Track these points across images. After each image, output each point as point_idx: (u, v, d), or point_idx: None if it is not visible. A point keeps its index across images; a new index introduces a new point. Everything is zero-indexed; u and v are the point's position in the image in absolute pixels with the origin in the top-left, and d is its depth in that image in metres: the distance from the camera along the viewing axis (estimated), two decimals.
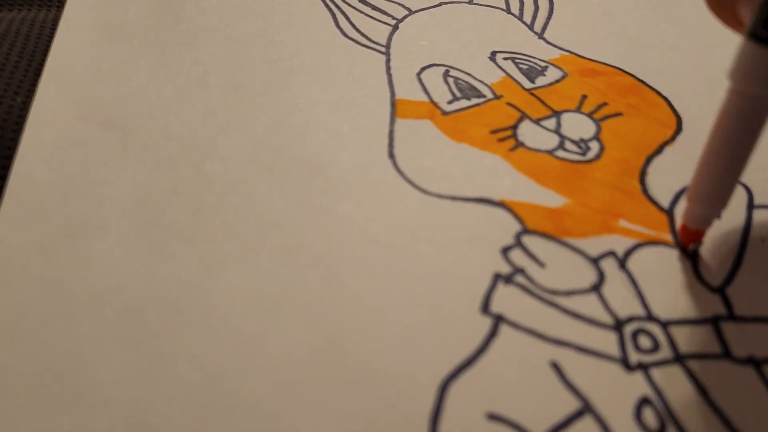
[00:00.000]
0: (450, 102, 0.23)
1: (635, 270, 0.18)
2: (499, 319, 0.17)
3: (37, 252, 0.18)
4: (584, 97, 0.23)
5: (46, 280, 0.17)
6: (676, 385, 0.16)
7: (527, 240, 0.19)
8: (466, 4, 0.28)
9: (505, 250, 0.18)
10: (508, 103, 0.23)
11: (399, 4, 0.28)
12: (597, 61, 0.25)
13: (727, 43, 0.26)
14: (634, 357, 0.16)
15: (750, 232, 0.19)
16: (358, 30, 0.26)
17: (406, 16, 0.27)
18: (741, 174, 0.17)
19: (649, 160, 0.21)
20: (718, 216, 0.18)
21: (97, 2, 0.27)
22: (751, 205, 0.20)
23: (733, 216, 0.19)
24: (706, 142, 0.17)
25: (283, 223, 0.19)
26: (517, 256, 0.18)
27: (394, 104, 0.23)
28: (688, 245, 0.19)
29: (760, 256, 0.18)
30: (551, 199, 0.20)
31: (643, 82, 0.24)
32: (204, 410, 0.15)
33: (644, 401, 0.15)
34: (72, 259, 0.18)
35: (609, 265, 0.18)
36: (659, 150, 0.21)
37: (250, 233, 0.19)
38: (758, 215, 0.19)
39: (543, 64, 0.25)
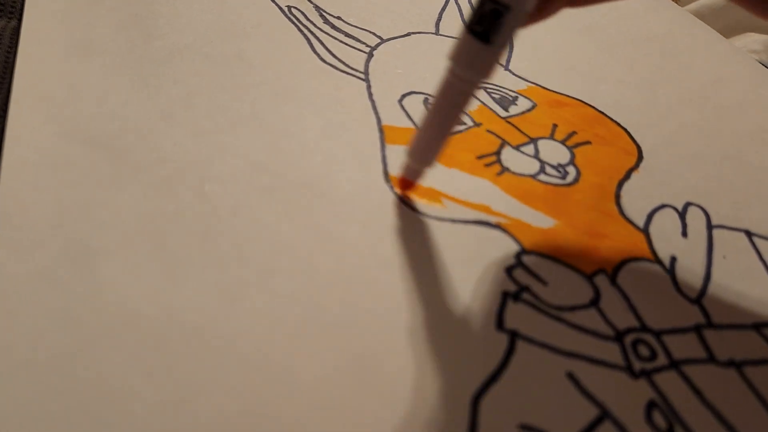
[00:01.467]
0: None
1: (624, 285, 0.20)
2: (514, 335, 0.18)
3: (40, 280, 0.17)
4: (555, 126, 0.25)
5: (55, 309, 0.16)
6: (675, 388, 0.17)
7: (527, 260, 0.20)
8: (433, 35, 0.30)
9: (509, 270, 0.20)
10: (488, 131, 0.24)
11: (370, 32, 0.29)
12: (560, 93, 0.27)
13: (666, 81, 0.29)
14: (637, 365, 0.18)
15: (713, 249, 0.21)
16: (334, 56, 0.27)
17: (378, 44, 0.28)
18: (445, 141, 0.20)
19: (620, 185, 0.23)
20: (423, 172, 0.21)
21: (58, 15, 0.26)
22: (710, 226, 0.22)
23: (697, 235, 0.22)
24: (424, 114, 0.20)
25: (294, 247, 0.19)
26: (520, 275, 0.19)
27: (382, 130, 0.24)
28: (403, 191, 0.21)
29: (725, 270, 0.21)
30: (541, 220, 0.21)
31: (603, 113, 0.26)
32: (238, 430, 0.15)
33: (652, 404, 0.17)
34: (79, 286, 0.17)
35: (602, 282, 0.20)
36: (627, 175, 0.24)
37: (262, 257, 0.19)
38: (717, 234, 0.22)
39: (513, 94, 0.26)
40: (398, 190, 0.21)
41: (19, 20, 0.26)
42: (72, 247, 0.18)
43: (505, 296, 0.19)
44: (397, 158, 0.23)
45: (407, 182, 0.21)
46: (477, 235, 0.21)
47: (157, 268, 0.18)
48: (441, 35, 0.30)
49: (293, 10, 0.29)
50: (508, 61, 0.29)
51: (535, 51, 0.29)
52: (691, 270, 0.21)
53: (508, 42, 0.18)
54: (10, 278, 0.17)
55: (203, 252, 0.18)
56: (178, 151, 0.21)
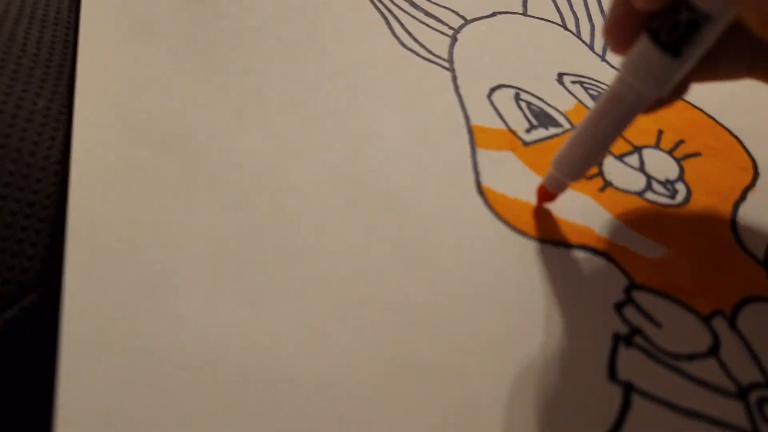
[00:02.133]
0: (528, 131, 0.22)
1: (745, 330, 0.18)
2: (629, 388, 0.16)
3: (116, 312, 0.15)
4: (660, 132, 0.23)
5: (136, 348, 0.15)
6: None
7: (638, 296, 0.18)
8: (521, 16, 0.27)
9: (618, 306, 0.18)
10: None
11: (452, 11, 0.26)
12: None
13: None
14: (764, 429, 0.16)
15: None
16: (416, 40, 0.24)
17: (462, 26, 0.26)
18: (602, 157, 0.19)
19: (736, 207, 0.21)
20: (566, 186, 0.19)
21: None
22: None
23: None
24: (581, 121, 0.18)
25: (382, 274, 0.17)
26: (631, 314, 0.18)
27: (471, 131, 0.22)
28: (541, 203, 0.20)
29: None
30: (651, 248, 0.19)
31: (712, 117, 0.24)
32: None
33: None
34: (157, 320, 0.15)
35: (720, 326, 0.18)
36: (743, 196, 0.21)
37: (348, 286, 0.17)
38: None
39: None
40: (538, 201, 0.20)
41: None
42: (147, 271, 0.16)
43: (617, 339, 0.17)
44: (490, 166, 0.21)
45: (548, 194, 0.19)
46: (581, 262, 0.19)
47: (238, 297, 0.16)
48: (529, 16, 0.27)
49: None
50: (605, 50, 0.26)
51: None
52: None
53: (698, 57, 0.16)
54: (86, 305, 0.15)
55: (286, 278, 0.17)
56: (252, 156, 0.19)
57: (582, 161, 0.18)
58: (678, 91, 0.18)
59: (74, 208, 0.17)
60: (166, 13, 0.23)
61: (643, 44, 0.16)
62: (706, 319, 0.18)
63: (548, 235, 0.19)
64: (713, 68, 0.18)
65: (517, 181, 0.20)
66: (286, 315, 0.16)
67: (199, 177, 0.19)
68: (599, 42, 0.26)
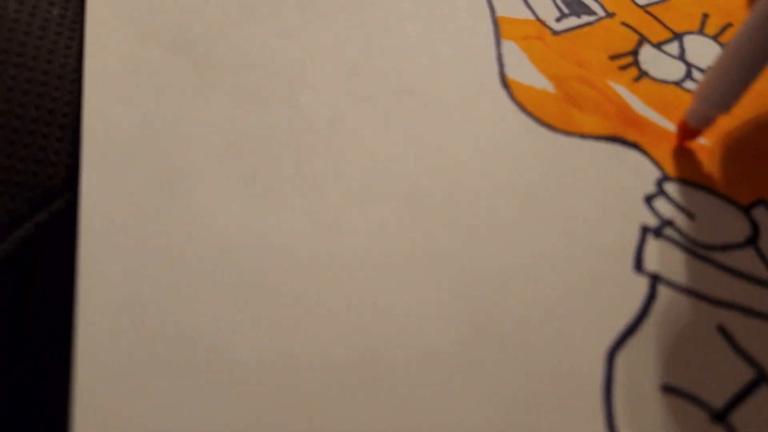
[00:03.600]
0: (558, 19, 0.21)
1: None
2: (655, 279, 0.15)
3: (133, 209, 0.15)
4: (705, 16, 0.21)
5: (150, 242, 0.15)
6: None
7: (670, 188, 0.17)
8: None
9: (649, 199, 0.17)
10: (623, 23, 0.21)
11: None
12: None
13: None
14: None
15: None
16: None
17: None
18: (751, 83, 0.16)
19: None
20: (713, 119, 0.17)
21: None
22: None
23: None
24: (726, 45, 0.16)
25: (398, 167, 0.17)
26: (662, 206, 0.17)
27: (496, 22, 0.20)
28: (683, 142, 0.18)
29: None
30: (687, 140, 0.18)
31: None
32: (352, 381, 0.14)
33: None
34: (172, 215, 0.15)
35: (762, 215, 0.17)
36: None
37: (362, 179, 0.17)
38: None
39: None
40: (679, 140, 0.18)
41: None
42: (162, 169, 0.16)
43: (645, 231, 0.16)
44: (516, 57, 0.19)
45: (692, 131, 0.18)
46: (611, 154, 0.18)
47: (252, 192, 0.16)
48: None
49: None
50: None
51: None
52: None
53: None
54: (100, 201, 0.15)
55: (299, 173, 0.17)
56: (266, 54, 0.19)
57: (731, 90, 0.17)
58: None
59: (88, 110, 0.17)
60: None
61: None
62: (746, 209, 0.17)
63: (576, 127, 0.18)
64: None
65: (545, 71, 0.19)
66: (300, 207, 0.16)
67: (211, 75, 0.18)
68: None
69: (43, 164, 0.18)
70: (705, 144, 0.18)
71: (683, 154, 0.18)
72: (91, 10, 0.19)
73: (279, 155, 0.17)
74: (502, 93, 0.19)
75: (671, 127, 0.18)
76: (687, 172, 0.17)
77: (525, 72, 0.19)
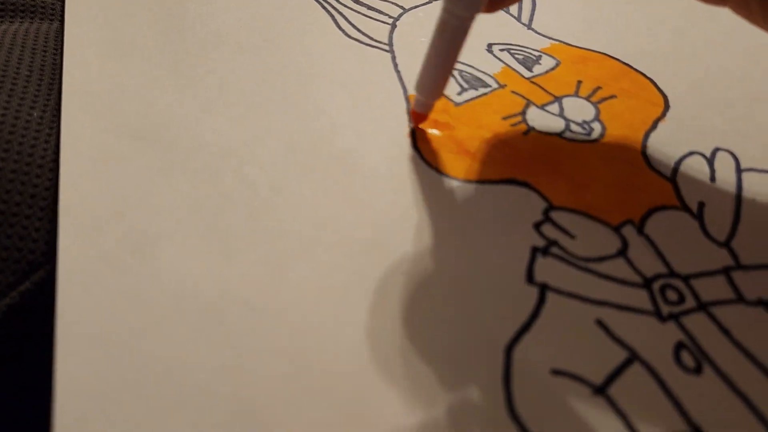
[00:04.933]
0: (459, 93, 0.25)
1: (652, 233, 0.20)
2: (544, 288, 0.19)
3: (104, 263, 0.19)
4: (579, 82, 0.25)
5: (120, 290, 0.18)
6: (704, 329, 0.18)
7: (555, 215, 0.21)
8: None
9: (537, 225, 0.20)
10: (513, 92, 0.25)
11: (393, 2, 0.30)
12: (584, 48, 0.27)
13: (693, 25, 0.29)
14: (665, 309, 0.19)
15: (742, 192, 0.22)
16: (359, 30, 0.28)
17: (401, 14, 0.29)
18: (448, 76, 0.22)
19: (647, 135, 0.23)
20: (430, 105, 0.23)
21: (97, 16, 0.28)
22: (739, 169, 0.22)
23: (726, 179, 0.22)
24: (426, 51, 0.22)
25: (334, 220, 0.20)
26: (548, 230, 0.20)
27: (408, 100, 0.25)
28: (416, 124, 0.24)
29: (754, 212, 0.21)
30: (568, 176, 0.22)
31: (628, 65, 0.26)
32: (303, 397, 0.17)
33: (680, 345, 0.18)
34: (141, 267, 0.19)
35: (629, 232, 0.20)
36: (654, 126, 0.24)
37: (305, 232, 0.20)
38: (747, 178, 0.22)
39: (536, 53, 0.27)
40: (413, 123, 0.23)
41: (61, 22, 0.28)
42: (132, 233, 0.19)
43: (534, 251, 0.20)
44: (425, 134, 0.24)
45: (419, 115, 0.23)
46: (506, 193, 0.21)
47: (210, 247, 0.19)
48: None
49: None
50: (531, 19, 0.29)
51: (559, 7, 0.29)
52: (720, 214, 0.21)
53: None
54: (76, 261, 0.18)
55: (250, 230, 0.20)
56: (220, 138, 0.23)
57: (435, 82, 0.22)
58: None
59: (64, 193, 0.20)
60: (139, 30, 0.27)
61: None
62: (617, 228, 0.21)
63: (476, 176, 0.22)
64: None
65: (450, 137, 0.23)
66: (250, 257, 0.19)
67: (173, 158, 0.22)
68: (526, 13, 0.29)
69: (26, 240, 0.21)
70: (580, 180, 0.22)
71: (566, 188, 0.22)
72: (66, 109, 0.23)
73: (232, 217, 0.20)
74: (414, 155, 0.23)
75: (557, 168, 0.22)
76: (568, 202, 0.21)
77: (434, 138, 0.23)
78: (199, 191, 0.21)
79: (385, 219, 0.21)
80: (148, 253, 0.19)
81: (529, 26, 0.28)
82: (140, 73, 0.25)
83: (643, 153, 0.23)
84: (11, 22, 0.27)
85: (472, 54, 0.27)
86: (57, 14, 0.28)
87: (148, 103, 0.24)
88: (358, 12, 0.29)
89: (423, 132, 0.23)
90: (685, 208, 0.21)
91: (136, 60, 0.26)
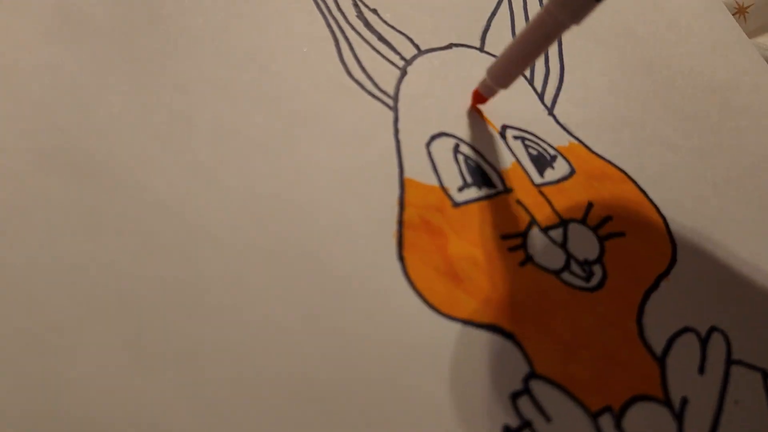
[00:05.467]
0: (461, 189, 0.22)
1: (629, 429, 0.19)
2: None
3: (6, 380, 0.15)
4: (590, 205, 0.23)
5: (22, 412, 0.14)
6: None
7: (536, 387, 0.19)
8: (477, 51, 0.26)
9: (514, 397, 0.18)
10: (518, 201, 0.22)
11: (407, 36, 0.25)
12: (603, 158, 0.24)
13: (721, 151, 0.26)
14: None
15: (726, 393, 0.20)
16: (363, 69, 0.23)
17: (414, 58, 0.25)
18: (523, 70, 0.22)
19: (646, 296, 0.21)
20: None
21: None
22: (728, 361, 0.21)
23: (714, 373, 0.20)
24: (514, 39, 0.22)
25: (293, 349, 0.17)
26: (525, 406, 0.18)
27: (403, 185, 0.21)
28: (474, 104, 0.24)
29: (733, 419, 0.20)
30: (556, 336, 0.20)
31: (644, 192, 0.24)
32: None
33: None
34: (44, 380, 0.15)
35: (606, 423, 0.19)
36: (656, 284, 0.22)
37: (254, 359, 0.17)
38: (734, 372, 0.21)
39: (552, 152, 0.24)
40: (472, 102, 0.24)
41: None
42: (34, 327, 0.16)
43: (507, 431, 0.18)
44: (414, 231, 0.20)
45: (480, 97, 0.23)
46: (488, 344, 0.19)
47: (131, 362, 0.16)
48: (485, 52, 0.26)
49: None
50: (554, 101, 0.25)
51: (585, 90, 0.26)
52: (700, 416, 0.20)
53: None
54: None
55: (182, 347, 0.16)
56: (171, 192, 0.19)
57: (509, 74, 0.22)
58: None
59: None
60: (98, 7, 0.21)
61: None
62: (595, 416, 0.19)
63: (459, 311, 0.19)
64: None
65: (440, 250, 0.20)
66: (177, 384, 0.16)
67: (110, 215, 0.18)
68: (550, 92, 0.26)
69: None
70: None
71: (551, 351, 0.19)
72: None
73: (167, 320, 0.17)
74: (396, 266, 0.20)
75: (547, 323, 0.20)
76: (552, 371, 0.19)
77: (420, 249, 0.20)
78: (133, 270, 0.17)
79: (351, 354, 0.18)
80: (51, 365, 0.15)
81: (550, 110, 0.25)
82: (92, 71, 0.20)
83: (638, 319, 0.21)
84: None
85: (484, 137, 0.23)
86: None
87: (96, 121, 0.19)
88: (367, 41, 0.24)
89: (413, 237, 0.20)
90: (668, 402, 0.20)
91: (88, 49, 0.20)
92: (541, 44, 0.21)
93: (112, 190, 0.18)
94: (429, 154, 0.22)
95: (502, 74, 0.22)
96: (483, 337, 0.19)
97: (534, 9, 0.28)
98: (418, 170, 0.22)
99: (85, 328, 0.16)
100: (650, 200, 0.24)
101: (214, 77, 0.21)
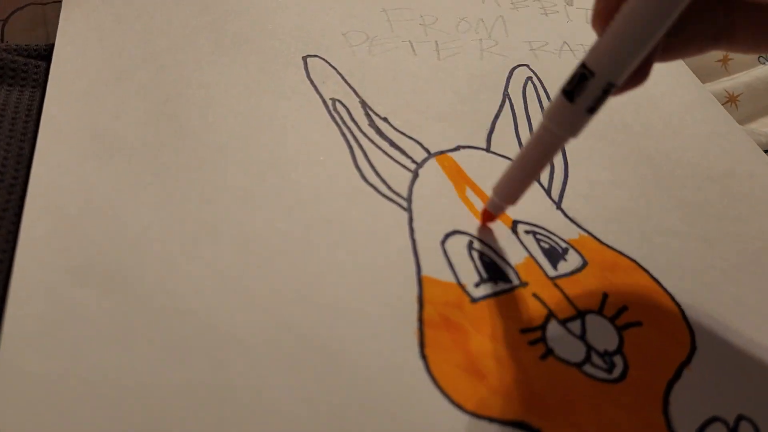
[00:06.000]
0: (477, 285, 0.22)
1: None
2: None
3: None
4: (605, 296, 0.23)
5: None
6: None
7: None
8: (483, 152, 0.27)
9: None
10: (535, 295, 0.23)
11: (417, 142, 0.27)
12: (614, 249, 0.25)
13: (727, 237, 0.27)
14: None
15: None
16: (377, 174, 0.25)
17: (425, 160, 0.26)
18: (528, 186, 0.22)
19: (670, 386, 0.21)
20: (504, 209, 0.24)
21: (82, 93, 0.24)
22: None
23: None
24: (515, 157, 0.22)
25: None
26: None
27: (421, 282, 0.22)
28: (484, 223, 0.24)
29: None
30: (584, 428, 0.20)
31: (657, 281, 0.24)
32: None
33: None
34: None
35: None
36: (678, 374, 0.22)
37: None
38: None
39: (564, 245, 0.24)
40: (482, 221, 0.24)
41: (42, 92, 0.24)
42: None
43: None
44: (435, 328, 0.21)
45: (489, 215, 0.24)
46: None
47: None
48: (492, 153, 0.27)
49: (337, 104, 0.27)
50: (561, 196, 0.26)
51: (589, 184, 0.27)
52: None
53: (592, 106, 0.20)
54: None
55: None
56: (198, 301, 0.19)
57: (515, 189, 0.23)
58: (638, 76, 0.19)
59: (3, 361, 0.16)
60: (129, 126, 0.23)
61: (556, 95, 0.20)
62: None
63: (484, 409, 0.19)
64: (677, 45, 0.20)
65: (461, 347, 0.21)
66: None
67: (140, 325, 0.18)
68: (557, 186, 0.27)
69: None
70: None
71: None
72: (24, 237, 0.19)
73: (198, 424, 0.17)
74: (419, 365, 0.20)
75: (573, 417, 0.20)
76: None
77: (442, 346, 0.20)
78: (160, 379, 0.17)
79: None
80: None
81: (558, 204, 0.26)
82: (123, 186, 0.21)
83: (665, 410, 0.21)
84: None
85: (496, 231, 0.24)
86: (40, 83, 0.24)
87: (126, 233, 0.20)
88: (380, 147, 0.26)
89: (434, 334, 0.21)
90: None
91: (120, 166, 0.22)
92: (542, 159, 0.21)
93: (143, 300, 0.19)
94: (444, 251, 0.23)
95: (509, 191, 0.23)
96: None
97: (534, 109, 0.30)
98: (435, 268, 0.22)
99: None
100: (664, 288, 0.24)
101: (237, 187, 0.23)
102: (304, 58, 0.28)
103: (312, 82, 0.27)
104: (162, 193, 0.22)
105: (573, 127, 0.20)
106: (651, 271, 0.25)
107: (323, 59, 0.28)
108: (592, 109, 0.20)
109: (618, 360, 0.22)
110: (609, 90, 0.19)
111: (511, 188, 0.23)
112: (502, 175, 0.22)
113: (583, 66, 0.19)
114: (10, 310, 0.17)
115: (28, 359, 0.17)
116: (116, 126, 0.23)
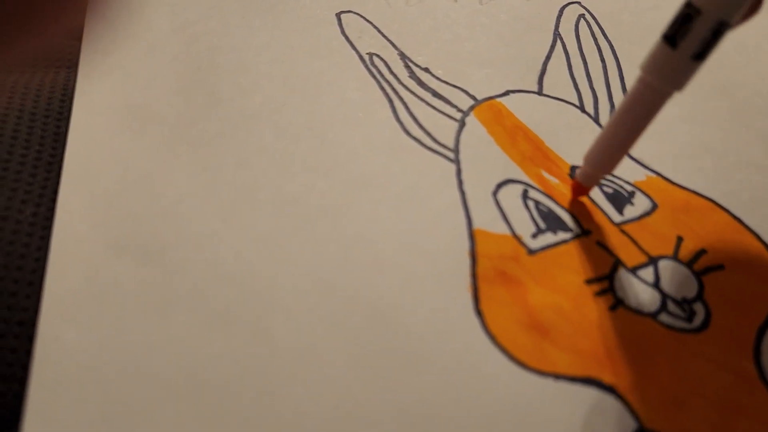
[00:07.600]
0: (534, 235, 0.21)
1: None
2: None
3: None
4: (680, 239, 0.21)
5: None
6: None
7: None
8: (535, 95, 0.25)
9: None
10: (599, 243, 0.21)
11: (462, 89, 0.25)
12: (686, 189, 0.23)
13: None
14: None
15: None
16: (421, 126, 0.23)
17: (471, 108, 0.24)
18: (626, 151, 0.20)
19: (761, 333, 0.19)
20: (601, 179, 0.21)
21: (114, 68, 0.23)
22: None
23: None
24: (609, 119, 0.20)
25: (364, 415, 0.16)
26: None
27: (473, 236, 0.20)
28: (575, 197, 0.21)
29: None
30: (663, 385, 0.18)
31: (739, 219, 0.22)
32: None
33: None
34: None
35: None
36: None
37: (327, 413, 0.16)
38: None
39: (629, 188, 0.22)
40: (572, 195, 0.21)
41: (71, 69, 0.23)
42: (112, 408, 0.15)
43: None
44: (491, 283, 0.19)
45: (581, 188, 0.21)
46: (585, 399, 0.17)
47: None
48: (544, 95, 0.25)
49: (375, 58, 0.25)
50: None
51: (656, 121, 0.25)
52: None
53: (699, 51, 0.17)
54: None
55: (258, 419, 0.16)
56: (239, 266, 0.18)
57: (611, 156, 0.20)
58: (753, 8, 0.17)
59: (42, 335, 0.16)
60: (161, 98, 0.22)
61: (656, 44, 0.18)
62: None
63: (549, 365, 0.18)
64: None
65: (519, 300, 0.19)
66: None
67: (180, 295, 0.18)
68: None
69: (9, 382, 0.16)
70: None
71: (661, 403, 0.17)
72: (61, 212, 0.19)
73: (240, 395, 0.16)
74: (475, 322, 0.18)
75: (650, 371, 0.18)
76: (663, 425, 0.17)
77: (499, 300, 0.19)
78: (205, 347, 0.17)
79: (429, 420, 0.16)
80: None
81: None
82: (157, 157, 0.21)
83: (756, 359, 0.19)
84: (9, 70, 0.23)
85: (554, 180, 0.22)
86: (74, 64, 0.24)
87: (162, 203, 0.19)
88: (422, 99, 0.24)
89: (489, 289, 0.19)
90: None
91: (154, 138, 0.21)
92: (642, 120, 0.19)
93: (182, 270, 0.18)
94: (497, 202, 0.21)
95: (605, 159, 0.20)
96: (579, 392, 0.17)
97: (589, 48, 0.27)
98: (487, 220, 0.21)
99: (161, 409, 0.16)
100: (748, 228, 0.22)
101: (274, 151, 0.22)
102: (338, 15, 0.27)
103: (347, 38, 0.26)
104: (197, 162, 0.21)
105: (677, 79, 0.18)
106: (731, 209, 0.22)
107: (358, 14, 0.27)
108: (700, 56, 0.17)
109: (699, 307, 0.19)
110: (720, 31, 0.17)
111: (608, 155, 0.20)
112: (595, 140, 0.20)
113: (687, 5, 0.17)
114: (49, 286, 0.17)
115: (69, 334, 0.16)
116: (148, 98, 0.22)
